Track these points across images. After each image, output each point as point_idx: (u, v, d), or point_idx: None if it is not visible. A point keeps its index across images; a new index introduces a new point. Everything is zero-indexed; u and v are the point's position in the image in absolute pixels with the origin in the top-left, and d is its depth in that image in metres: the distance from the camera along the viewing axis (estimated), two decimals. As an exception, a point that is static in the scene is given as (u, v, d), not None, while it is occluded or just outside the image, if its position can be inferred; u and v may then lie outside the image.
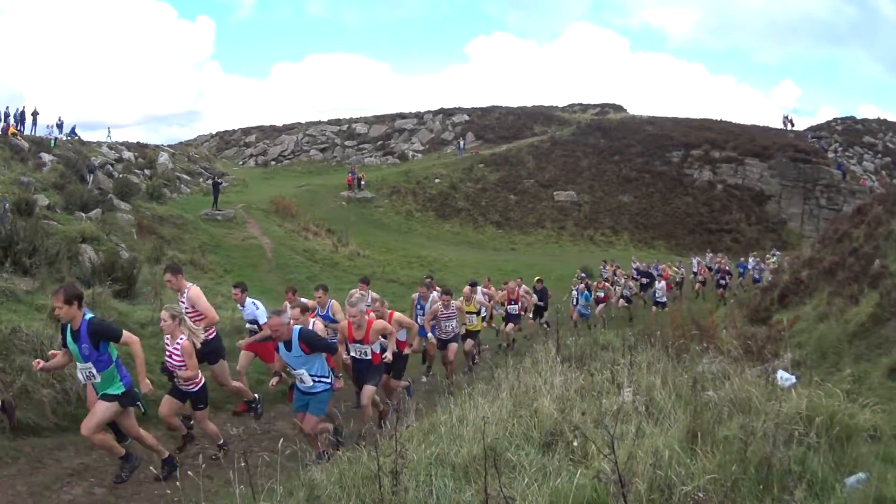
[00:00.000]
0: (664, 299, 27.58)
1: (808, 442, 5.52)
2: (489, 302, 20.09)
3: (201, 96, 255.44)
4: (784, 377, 7.84)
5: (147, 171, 51.85)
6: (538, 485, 5.19)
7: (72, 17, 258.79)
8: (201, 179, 56.46)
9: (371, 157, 70.03)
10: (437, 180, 60.39)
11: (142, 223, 37.20)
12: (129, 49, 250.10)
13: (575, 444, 6.01)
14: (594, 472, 4.92)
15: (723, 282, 32.93)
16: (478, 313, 16.99)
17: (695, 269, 37.88)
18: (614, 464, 4.34)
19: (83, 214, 33.12)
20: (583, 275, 30.98)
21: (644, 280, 32.90)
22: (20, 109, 48.63)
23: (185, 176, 55.99)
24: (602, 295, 26.57)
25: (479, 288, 18.64)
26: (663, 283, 28.65)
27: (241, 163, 71.92)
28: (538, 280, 24.37)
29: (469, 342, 16.45)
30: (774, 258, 39.42)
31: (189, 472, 6.93)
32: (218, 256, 36.61)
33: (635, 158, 63.90)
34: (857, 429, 5.89)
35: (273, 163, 71.34)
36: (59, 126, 51.63)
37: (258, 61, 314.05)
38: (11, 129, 43.85)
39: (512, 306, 20.95)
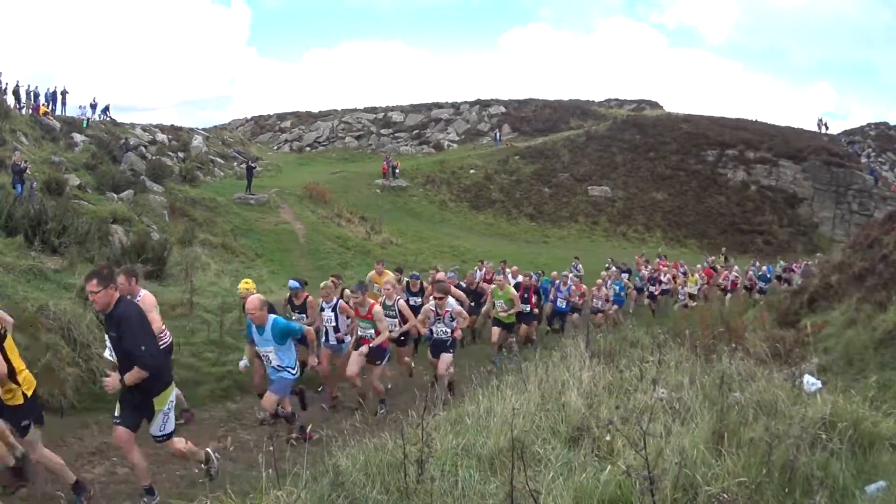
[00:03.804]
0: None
1: (831, 448, 5.56)
2: None
3: (234, 81, 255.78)
4: (810, 382, 7.85)
5: (181, 154, 52.13)
6: (563, 479, 5.25)
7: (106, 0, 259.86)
8: (235, 163, 56.57)
9: (406, 145, 69.99)
10: (471, 171, 60.22)
11: (174, 205, 37.57)
12: (164, 33, 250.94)
13: (608, 438, 6.06)
14: (622, 469, 4.96)
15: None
16: None
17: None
18: (645, 460, 4.39)
19: (115, 195, 33.59)
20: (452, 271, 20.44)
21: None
22: (52, 90, 49.03)
23: (218, 159, 56.18)
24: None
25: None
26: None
27: (275, 148, 71.95)
28: (334, 278, 12.94)
29: None
30: (612, 279, 24.14)
31: (217, 455, 7.04)
32: (250, 240, 36.79)
33: (670, 156, 63.30)
34: (879, 437, 5.92)
35: (308, 149, 71.32)
36: (93, 107, 51.88)
37: (293, 46, 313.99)
38: (42, 109, 44.22)
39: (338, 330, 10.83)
